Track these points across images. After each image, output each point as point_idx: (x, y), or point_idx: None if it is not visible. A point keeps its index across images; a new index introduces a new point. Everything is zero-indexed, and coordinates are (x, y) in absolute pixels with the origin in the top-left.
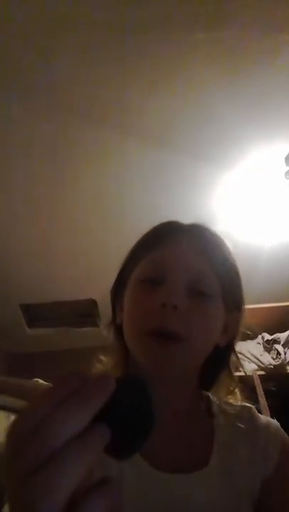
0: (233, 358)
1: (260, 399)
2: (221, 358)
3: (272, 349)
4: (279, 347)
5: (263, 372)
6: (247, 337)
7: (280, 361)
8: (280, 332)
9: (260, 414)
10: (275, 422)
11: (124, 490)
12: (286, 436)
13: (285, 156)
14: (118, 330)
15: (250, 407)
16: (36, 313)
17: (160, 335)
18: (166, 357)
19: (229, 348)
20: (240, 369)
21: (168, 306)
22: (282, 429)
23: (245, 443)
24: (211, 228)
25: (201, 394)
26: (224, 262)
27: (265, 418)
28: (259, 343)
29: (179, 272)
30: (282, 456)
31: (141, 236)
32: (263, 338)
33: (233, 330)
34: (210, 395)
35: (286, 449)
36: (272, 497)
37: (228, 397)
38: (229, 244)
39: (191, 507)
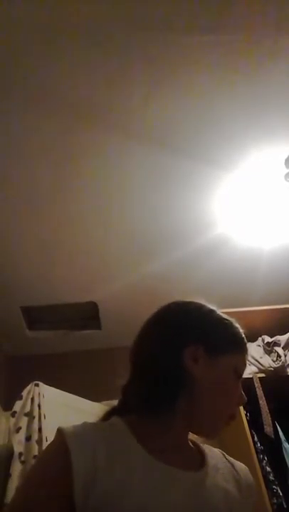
0: None
1: (260, 401)
2: None
3: (272, 351)
4: (279, 349)
5: (263, 375)
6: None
7: (280, 364)
8: (281, 334)
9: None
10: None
11: (135, 479)
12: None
13: (285, 158)
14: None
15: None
16: (37, 316)
17: (231, 418)
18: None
19: None
20: None
21: (241, 402)
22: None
23: (224, 469)
24: None
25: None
26: None
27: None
28: (259, 346)
29: None
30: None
31: (230, 326)
32: (263, 340)
33: None
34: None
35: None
36: None
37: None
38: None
39: (199, 498)
